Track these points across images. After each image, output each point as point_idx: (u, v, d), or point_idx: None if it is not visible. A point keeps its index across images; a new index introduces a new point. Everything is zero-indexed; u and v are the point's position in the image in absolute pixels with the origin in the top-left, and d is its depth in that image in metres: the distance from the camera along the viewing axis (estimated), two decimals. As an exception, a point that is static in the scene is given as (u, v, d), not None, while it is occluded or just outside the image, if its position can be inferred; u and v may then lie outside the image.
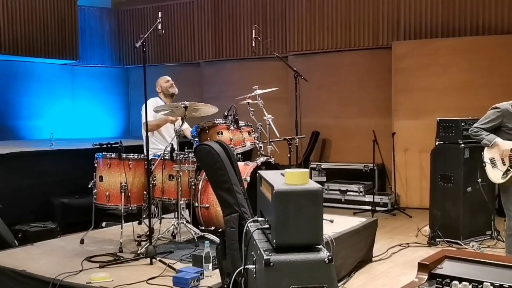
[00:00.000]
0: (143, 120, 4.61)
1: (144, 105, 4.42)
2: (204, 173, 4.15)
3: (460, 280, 2.12)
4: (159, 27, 4.15)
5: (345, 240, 4.30)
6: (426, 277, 2.23)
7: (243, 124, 4.68)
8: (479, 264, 2.24)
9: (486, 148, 4.37)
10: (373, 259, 4.83)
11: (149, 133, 4.19)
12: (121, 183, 4.17)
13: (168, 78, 5.37)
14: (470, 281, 2.10)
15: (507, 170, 4.25)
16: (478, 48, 6.86)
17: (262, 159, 4.52)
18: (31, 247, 4.25)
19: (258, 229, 2.57)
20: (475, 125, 4.47)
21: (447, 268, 2.27)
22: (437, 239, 5.26)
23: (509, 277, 2.11)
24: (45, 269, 3.55)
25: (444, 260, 2.32)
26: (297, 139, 5.10)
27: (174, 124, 5.01)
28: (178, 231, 4.26)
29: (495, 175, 4.31)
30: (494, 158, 4.32)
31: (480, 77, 6.84)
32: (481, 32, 7.03)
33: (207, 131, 4.51)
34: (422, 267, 2.27)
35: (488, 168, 4.35)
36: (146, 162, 4.18)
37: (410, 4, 7.48)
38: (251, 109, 4.91)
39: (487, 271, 2.16)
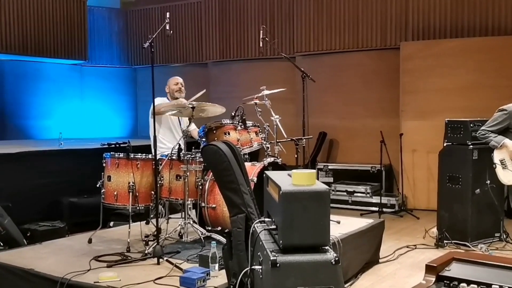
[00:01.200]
0: (150, 120, 4.62)
1: (152, 105, 4.43)
2: (211, 173, 4.16)
3: (468, 282, 2.11)
4: (167, 27, 4.16)
5: (352, 241, 4.29)
6: (433, 279, 2.22)
7: (251, 124, 4.68)
8: (487, 267, 2.23)
9: (495, 150, 4.35)
10: (380, 260, 4.82)
11: (157, 132, 4.20)
12: (129, 183, 4.19)
13: (178, 80, 5.30)
14: (478, 283, 2.09)
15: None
16: (486, 49, 6.82)
17: (269, 159, 4.52)
18: (40, 246, 4.27)
19: (264, 229, 2.57)
20: (482, 128, 4.46)
21: (455, 270, 2.25)
22: (445, 241, 5.23)
23: (517, 279, 2.09)
24: (53, 268, 3.57)
25: (452, 262, 2.31)
26: (304, 140, 5.10)
27: (180, 123, 5.01)
28: (185, 231, 4.27)
29: (506, 176, 4.29)
30: (504, 160, 4.30)
31: (487, 78, 6.80)
32: (490, 33, 6.99)
33: (215, 132, 4.52)
34: (429, 269, 2.26)
35: (499, 170, 4.32)
36: (153, 162, 4.20)
37: (418, 5, 7.45)
38: (259, 109, 4.91)
39: (496, 274, 2.15)
